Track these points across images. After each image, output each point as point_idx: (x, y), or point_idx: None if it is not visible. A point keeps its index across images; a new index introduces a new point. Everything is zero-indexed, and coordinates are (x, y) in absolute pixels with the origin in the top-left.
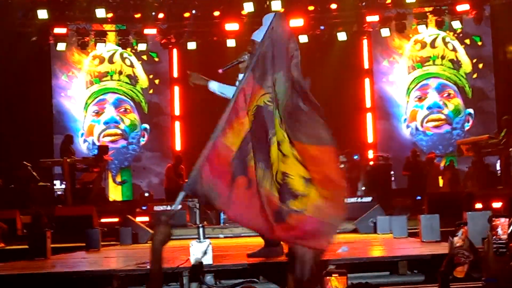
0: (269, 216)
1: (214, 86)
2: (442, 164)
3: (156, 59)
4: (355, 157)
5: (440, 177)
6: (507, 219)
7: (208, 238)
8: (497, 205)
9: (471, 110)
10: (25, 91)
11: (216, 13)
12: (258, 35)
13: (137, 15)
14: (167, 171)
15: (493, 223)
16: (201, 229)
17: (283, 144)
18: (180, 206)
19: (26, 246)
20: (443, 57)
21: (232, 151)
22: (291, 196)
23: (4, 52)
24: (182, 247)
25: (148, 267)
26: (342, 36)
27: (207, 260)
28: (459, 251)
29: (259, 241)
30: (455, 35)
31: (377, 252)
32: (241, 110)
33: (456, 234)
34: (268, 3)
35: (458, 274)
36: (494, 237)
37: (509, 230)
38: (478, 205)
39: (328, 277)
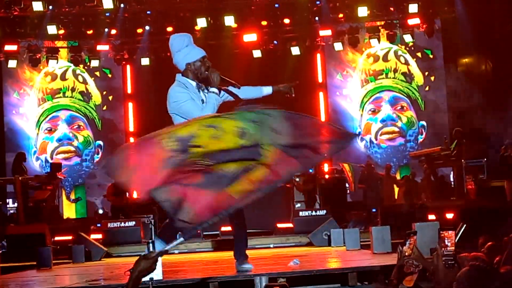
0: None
1: None
2: (397, 176)
3: (109, 75)
4: (310, 170)
5: (396, 189)
6: (454, 232)
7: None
8: (450, 216)
9: (424, 123)
10: None
11: (169, 29)
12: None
13: (89, 32)
14: (107, 190)
15: (441, 236)
16: (150, 244)
17: None
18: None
19: None
20: (395, 70)
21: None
22: None
23: None
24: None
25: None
26: (295, 50)
27: (157, 275)
28: (408, 260)
29: (214, 256)
30: (407, 48)
31: (328, 264)
32: None
33: (405, 244)
34: (221, 18)
35: (407, 283)
36: (443, 249)
37: (456, 240)
38: (432, 217)
39: None
